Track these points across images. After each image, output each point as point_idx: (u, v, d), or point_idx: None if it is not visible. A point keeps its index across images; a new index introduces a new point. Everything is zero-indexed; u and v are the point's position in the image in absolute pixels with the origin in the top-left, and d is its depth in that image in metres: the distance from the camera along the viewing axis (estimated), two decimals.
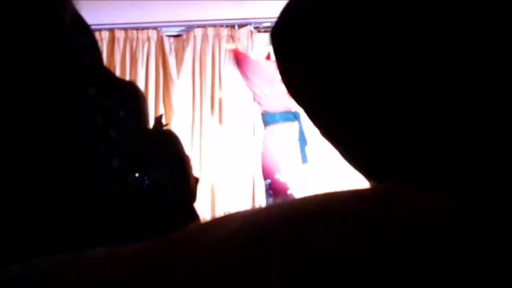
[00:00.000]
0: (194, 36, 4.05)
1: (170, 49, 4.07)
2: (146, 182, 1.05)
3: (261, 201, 3.50)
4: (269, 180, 3.14)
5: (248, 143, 3.80)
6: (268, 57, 3.57)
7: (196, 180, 1.23)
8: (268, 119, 3.38)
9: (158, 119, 1.63)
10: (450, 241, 0.19)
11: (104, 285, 0.23)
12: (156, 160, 1.12)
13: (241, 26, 4.02)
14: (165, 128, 1.46)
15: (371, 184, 0.32)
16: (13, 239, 0.41)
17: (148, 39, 4.03)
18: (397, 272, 0.18)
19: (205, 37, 4.05)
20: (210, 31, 4.04)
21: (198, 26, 4.04)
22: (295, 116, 3.23)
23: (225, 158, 3.84)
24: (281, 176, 3.09)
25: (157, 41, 4.05)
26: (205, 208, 3.52)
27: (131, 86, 1.49)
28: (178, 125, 3.78)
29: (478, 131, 0.26)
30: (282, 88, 0.38)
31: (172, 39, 4.09)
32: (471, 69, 0.25)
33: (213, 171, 3.82)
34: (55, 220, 0.43)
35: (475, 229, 0.19)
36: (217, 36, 4.04)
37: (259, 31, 3.99)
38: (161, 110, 3.92)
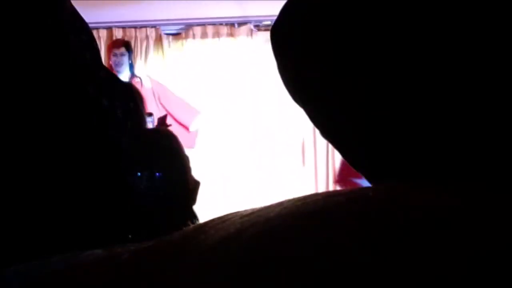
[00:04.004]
0: (193, 35, 4.05)
1: (169, 47, 4.07)
2: (144, 182, 1.05)
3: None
4: None
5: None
6: None
7: (197, 183, 1.22)
8: None
9: (161, 120, 1.63)
10: (446, 241, 0.19)
11: (104, 286, 0.23)
12: (154, 161, 1.12)
13: (240, 24, 4.01)
14: (163, 128, 1.46)
15: (372, 184, 0.32)
16: (13, 240, 0.41)
17: (147, 37, 4.02)
18: (385, 273, 0.18)
19: (204, 35, 4.04)
20: (209, 30, 4.04)
21: (197, 25, 4.03)
22: None
23: None
24: None
25: (155, 40, 4.05)
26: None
27: (129, 86, 1.49)
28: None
29: (479, 131, 0.26)
30: None
31: (170, 37, 4.08)
32: (471, 70, 0.25)
33: None
34: (54, 221, 0.43)
35: (474, 229, 0.19)
36: (216, 34, 4.04)
37: (259, 30, 3.98)
38: None
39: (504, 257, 0.18)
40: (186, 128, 3.85)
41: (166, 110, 3.74)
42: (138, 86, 3.46)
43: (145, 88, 3.69)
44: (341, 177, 2.89)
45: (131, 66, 3.74)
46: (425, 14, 0.26)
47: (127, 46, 3.72)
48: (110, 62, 3.66)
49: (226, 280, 0.20)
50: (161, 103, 3.80)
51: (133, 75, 3.72)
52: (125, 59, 3.68)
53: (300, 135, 4.09)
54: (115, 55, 3.66)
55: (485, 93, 0.25)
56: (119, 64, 3.65)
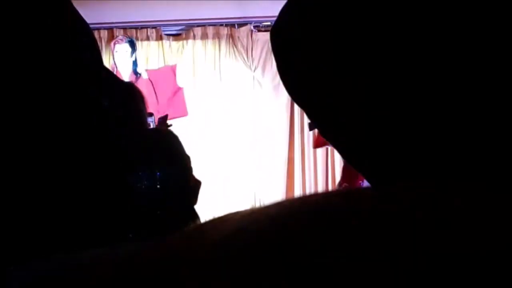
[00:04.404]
0: (194, 35, 4.05)
1: (170, 48, 4.07)
2: (144, 182, 1.05)
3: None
4: None
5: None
6: None
7: (198, 182, 1.23)
8: None
9: (162, 120, 1.63)
10: (446, 241, 0.19)
11: (104, 286, 0.23)
12: (154, 160, 1.12)
13: (241, 25, 4.02)
14: (164, 128, 1.47)
15: (372, 184, 0.32)
16: (13, 240, 0.41)
17: (148, 38, 4.02)
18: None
19: (204, 36, 4.05)
20: (210, 30, 4.04)
21: (198, 25, 4.03)
22: None
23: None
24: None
25: (156, 40, 4.05)
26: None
27: (130, 86, 1.49)
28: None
29: (479, 131, 0.26)
30: None
31: (171, 38, 4.08)
32: (471, 70, 0.25)
33: None
34: (54, 221, 0.43)
35: (474, 229, 0.19)
36: (217, 35, 4.04)
37: (259, 30, 3.98)
38: None
39: (504, 257, 0.18)
40: (174, 96, 3.81)
41: (155, 88, 3.72)
42: (137, 81, 3.46)
43: (143, 80, 3.69)
44: (344, 179, 2.87)
45: (135, 64, 3.74)
46: (425, 14, 0.26)
47: (131, 43, 3.73)
48: (113, 59, 3.67)
49: (226, 280, 0.20)
50: (153, 86, 3.78)
51: (136, 73, 3.72)
52: (128, 56, 3.69)
53: (300, 135, 4.10)
54: (119, 52, 3.67)
55: (485, 93, 0.25)
56: (122, 61, 3.66)
